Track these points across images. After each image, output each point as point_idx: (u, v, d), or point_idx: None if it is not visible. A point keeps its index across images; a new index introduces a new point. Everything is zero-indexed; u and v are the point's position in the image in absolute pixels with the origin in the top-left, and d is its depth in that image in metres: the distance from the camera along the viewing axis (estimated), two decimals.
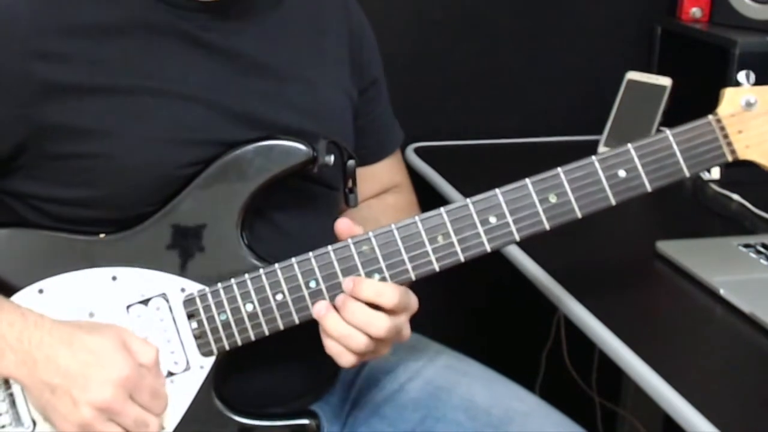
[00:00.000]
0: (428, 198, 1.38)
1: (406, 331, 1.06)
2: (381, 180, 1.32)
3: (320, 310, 1.03)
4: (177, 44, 1.08)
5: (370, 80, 1.27)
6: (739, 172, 1.62)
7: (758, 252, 1.31)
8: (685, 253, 1.31)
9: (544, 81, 1.98)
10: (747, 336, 1.13)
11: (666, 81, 1.76)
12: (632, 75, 1.81)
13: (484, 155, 1.87)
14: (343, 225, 1.05)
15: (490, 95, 1.96)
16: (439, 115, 1.94)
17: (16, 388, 1.07)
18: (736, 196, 1.57)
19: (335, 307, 1.03)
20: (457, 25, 1.92)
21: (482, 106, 1.96)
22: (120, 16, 1.07)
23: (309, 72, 1.16)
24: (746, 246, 1.33)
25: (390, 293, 1.01)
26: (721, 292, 1.20)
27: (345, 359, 1.03)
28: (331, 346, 1.03)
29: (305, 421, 1.10)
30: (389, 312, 1.02)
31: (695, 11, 1.88)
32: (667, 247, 1.33)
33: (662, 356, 1.08)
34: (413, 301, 1.06)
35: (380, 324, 1.01)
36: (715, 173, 1.66)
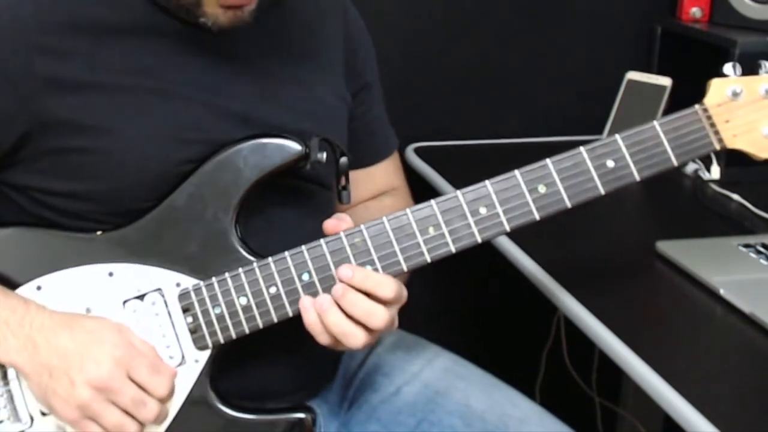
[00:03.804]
0: (428, 198, 1.38)
1: (397, 322, 1.06)
2: (377, 182, 1.33)
3: (322, 304, 1.02)
4: (178, 46, 1.09)
5: (362, 84, 1.27)
6: (739, 172, 1.62)
7: (758, 252, 1.31)
8: (685, 253, 1.30)
9: (544, 81, 1.98)
10: (747, 336, 1.13)
11: (666, 81, 1.76)
12: (632, 75, 1.81)
13: (484, 155, 1.86)
14: (330, 225, 1.05)
15: (490, 95, 1.96)
16: (439, 115, 1.93)
17: (14, 384, 1.07)
18: (736, 196, 1.57)
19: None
20: (457, 25, 1.92)
21: (482, 106, 1.96)
22: (123, 16, 1.08)
23: (305, 74, 1.18)
24: (746, 246, 1.33)
25: (388, 284, 1.01)
26: (721, 292, 1.20)
27: (322, 339, 1.03)
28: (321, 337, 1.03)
29: (301, 415, 1.09)
30: (386, 303, 1.02)
31: (695, 11, 1.88)
32: (667, 247, 1.33)
33: (662, 356, 1.08)
34: (405, 293, 1.05)
35: (380, 315, 1.01)
36: (715, 173, 1.66)
